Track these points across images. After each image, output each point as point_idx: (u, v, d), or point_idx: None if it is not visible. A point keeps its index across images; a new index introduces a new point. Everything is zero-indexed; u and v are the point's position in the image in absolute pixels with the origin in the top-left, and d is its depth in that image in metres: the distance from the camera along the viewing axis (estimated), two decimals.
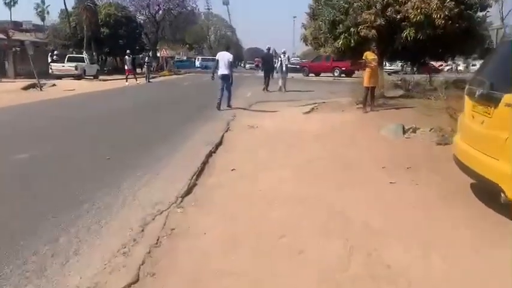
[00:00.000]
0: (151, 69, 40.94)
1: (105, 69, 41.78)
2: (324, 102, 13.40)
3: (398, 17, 11.38)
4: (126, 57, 25.87)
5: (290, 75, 20.76)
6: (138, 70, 34.94)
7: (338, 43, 12.08)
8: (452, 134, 6.22)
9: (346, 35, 11.96)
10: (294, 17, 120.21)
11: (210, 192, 4.40)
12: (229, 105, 11.93)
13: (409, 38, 11.26)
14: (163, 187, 4.46)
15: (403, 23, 11.44)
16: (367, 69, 9.96)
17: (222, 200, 4.16)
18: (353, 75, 33.14)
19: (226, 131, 8.25)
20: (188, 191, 4.37)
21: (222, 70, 11.66)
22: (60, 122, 9.23)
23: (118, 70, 39.82)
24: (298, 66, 38.33)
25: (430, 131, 6.68)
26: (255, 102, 13.97)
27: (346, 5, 12.02)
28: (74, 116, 9.97)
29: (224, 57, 11.76)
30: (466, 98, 3.92)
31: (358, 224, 3.43)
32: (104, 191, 4.26)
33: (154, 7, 46.38)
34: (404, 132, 6.94)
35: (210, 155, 6.10)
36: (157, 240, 3.13)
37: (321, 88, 21.13)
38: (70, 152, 6.24)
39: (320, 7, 12.98)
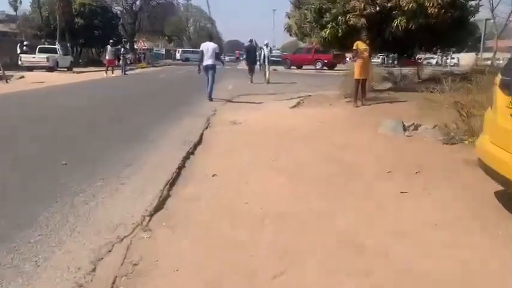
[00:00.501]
0: (128, 61, 39.63)
1: (80, 61, 40.29)
2: (309, 96, 12.69)
3: (389, 5, 10.74)
4: (108, 46, 24.69)
5: (272, 67, 20.53)
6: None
7: (325, 33, 11.38)
8: (460, 132, 5.60)
9: (333, 24, 11.27)
10: (274, 9, 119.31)
11: (185, 207, 3.61)
12: (210, 98, 11.48)
13: (400, 28, 10.64)
14: (128, 201, 3.64)
15: (393, 12, 10.80)
16: (359, 60, 9.26)
17: (201, 217, 3.38)
18: (335, 68, 32.67)
19: (206, 128, 7.44)
20: (159, 206, 3.56)
21: (207, 60, 11.45)
22: (12, 120, 7.99)
23: (94, 62, 38.37)
24: (279, 59, 37.56)
25: (433, 128, 6.01)
26: (237, 95, 13.18)
27: None
28: (32, 113, 8.83)
29: (208, 47, 11.51)
30: (498, 91, 3.22)
31: (377, 256, 2.70)
32: (50, 210, 3.38)
33: None
34: (404, 129, 6.27)
35: (187, 157, 5.29)
36: (113, 284, 2.32)
37: (304, 81, 20.42)
38: (13, 156, 5.14)
39: None
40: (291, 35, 13.35)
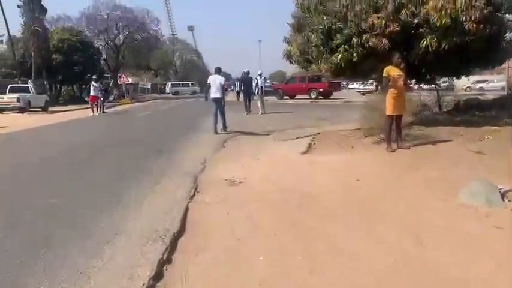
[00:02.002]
0: (109, 97, 37.46)
1: (60, 99, 38.02)
2: (319, 134, 10.47)
3: (415, 21, 8.71)
4: (92, 82, 22.31)
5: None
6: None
7: (336, 58, 9.28)
8: None
9: (345, 46, 9.20)
10: (260, 40, 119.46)
11: None
12: (225, 129, 11.80)
13: (430, 48, 8.58)
14: None
15: (421, 30, 8.77)
16: (391, 92, 7.09)
17: None
18: (331, 97, 30.81)
19: (193, 197, 5.10)
20: None
21: (214, 93, 11.57)
22: None
23: (75, 99, 36.08)
24: (270, 89, 35.65)
25: None
26: (231, 135, 10.93)
27: (344, 9, 9.30)
28: None
29: (216, 80, 11.63)
30: None
31: None
32: None
33: (113, 31, 43.04)
34: (503, 196, 4.03)
35: (158, 275, 2.96)
36: None
37: (302, 112, 18.36)
38: None
39: (308, 15, 10.20)
40: (291, 62, 11.23)
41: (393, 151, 7.09)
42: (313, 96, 30.12)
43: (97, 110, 21.49)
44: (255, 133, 11.73)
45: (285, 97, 32.35)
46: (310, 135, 10.21)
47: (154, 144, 9.62)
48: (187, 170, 6.52)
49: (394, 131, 7.29)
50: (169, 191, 5.30)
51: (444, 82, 56.43)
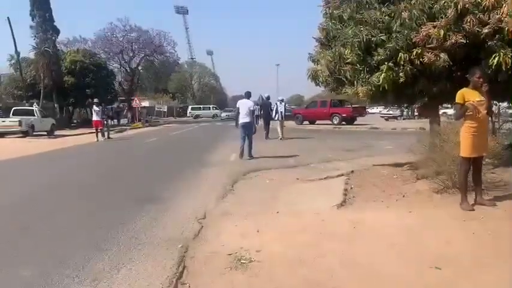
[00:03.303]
0: (115, 121, 36.22)
1: (74, 122, 36.85)
2: (353, 172, 8.39)
3: (484, 31, 6.68)
4: (94, 106, 20.54)
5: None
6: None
7: (378, 78, 7.30)
8: None
9: (390, 64, 7.21)
10: (277, 64, 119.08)
11: None
12: (250, 156, 11.36)
13: (504, 67, 6.53)
14: None
15: (490, 43, 6.74)
16: (469, 124, 5.02)
17: None
18: (354, 123, 28.69)
19: None
20: None
21: (243, 118, 11.36)
22: None
23: (88, 122, 34.80)
24: (289, 113, 33.75)
25: None
26: (243, 172, 8.95)
27: (387, 18, 7.38)
28: None
29: (245, 105, 11.49)
30: None
31: None
32: None
33: (128, 53, 42.16)
34: None
35: None
36: None
37: (326, 142, 16.31)
38: None
39: (340, 26, 8.30)
40: (317, 84, 9.23)
41: (472, 209, 4.97)
42: (335, 122, 28.01)
43: (102, 135, 19.86)
44: (274, 167, 9.73)
45: (305, 122, 30.37)
46: (343, 174, 8.14)
47: (144, 185, 7.67)
48: (175, 235, 4.53)
49: (470, 178, 5.18)
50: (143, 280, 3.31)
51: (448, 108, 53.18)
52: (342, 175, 8.08)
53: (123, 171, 9.89)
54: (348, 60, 7.79)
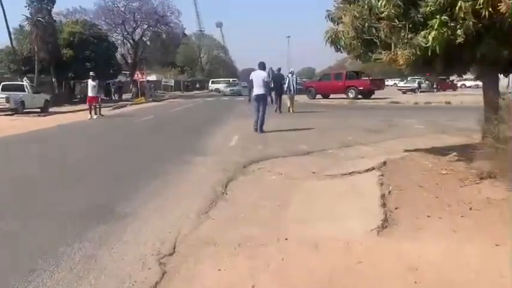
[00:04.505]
0: (109, 96, 34.54)
1: (77, 97, 34.97)
2: (385, 165, 6.40)
3: None
4: (90, 81, 18.70)
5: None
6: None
7: (426, 38, 5.25)
8: None
9: (444, 18, 5.14)
10: (288, 36, 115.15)
11: None
12: (261, 131, 10.94)
13: None
14: None
15: None
16: None
17: None
18: (372, 97, 26.40)
19: None
20: None
21: (257, 90, 11.03)
22: None
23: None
24: (301, 87, 31.55)
25: None
26: (243, 163, 7.04)
27: None
28: None
29: (259, 76, 11.08)
30: None
31: None
32: None
33: (130, 24, 39.83)
34: None
35: None
36: None
37: (344, 118, 14.28)
38: None
39: None
40: (338, 49, 7.09)
41: None
42: (351, 96, 25.73)
43: (95, 112, 18.03)
44: (283, 155, 7.83)
45: (318, 96, 28.16)
46: (373, 168, 6.18)
47: (98, 193, 5.38)
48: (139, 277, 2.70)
49: None
50: None
51: (467, 80, 49.89)
52: (373, 169, 6.13)
53: (83, 167, 7.26)
54: (383, 15, 5.69)
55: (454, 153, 6.76)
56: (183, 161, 7.27)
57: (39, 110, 22.59)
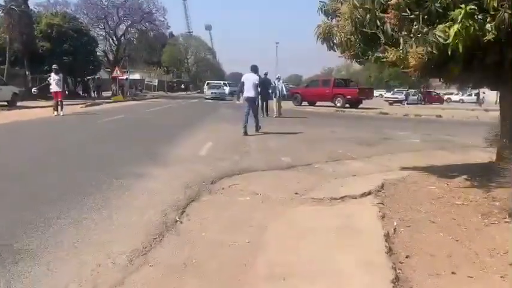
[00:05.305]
0: (87, 93, 32.83)
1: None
2: (383, 188, 5.23)
3: None
4: (52, 74, 16.70)
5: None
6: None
7: (446, 32, 4.12)
8: None
9: (471, 7, 4.03)
10: (277, 42, 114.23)
11: None
12: (257, 129, 11.18)
13: None
14: None
15: None
16: None
17: None
18: (359, 106, 25.40)
19: None
20: None
21: (248, 92, 11.06)
22: None
23: (70, 94, 31.25)
24: (287, 93, 30.33)
25: None
26: (213, 178, 5.79)
27: None
28: None
29: (250, 79, 11.13)
30: None
31: None
32: None
33: (114, 19, 38.28)
34: None
35: None
36: None
37: (332, 128, 13.14)
38: None
39: None
40: (331, 47, 5.90)
41: None
42: (338, 105, 24.67)
43: (61, 108, 16.47)
44: (262, 169, 6.63)
45: (304, 103, 27.00)
46: (370, 192, 5.00)
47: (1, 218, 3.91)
48: None
49: None
50: None
51: (454, 95, 49.51)
52: (369, 193, 4.94)
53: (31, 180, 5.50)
54: (392, 2, 4.56)
55: (464, 177, 5.65)
56: (133, 174, 5.85)
57: (6, 103, 21.02)
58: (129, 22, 39.19)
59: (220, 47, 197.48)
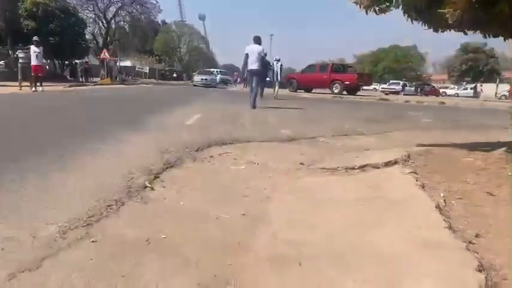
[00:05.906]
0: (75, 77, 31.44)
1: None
2: (409, 158, 4.21)
3: None
4: (32, 46, 15.36)
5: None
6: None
7: None
8: None
9: None
10: (271, 34, 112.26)
11: None
12: (253, 106, 10.34)
13: None
14: None
15: None
16: None
17: None
18: (358, 93, 24.39)
19: None
20: None
21: (252, 64, 10.36)
22: None
23: (56, 77, 29.80)
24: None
25: None
26: (198, 145, 4.74)
27: None
28: None
29: (254, 50, 10.36)
30: None
31: None
32: None
33: (103, 1, 36.81)
34: None
35: None
36: None
37: (335, 109, 12.13)
38: None
39: None
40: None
41: None
42: (335, 91, 23.57)
43: (40, 83, 15.19)
44: (258, 140, 5.59)
45: (300, 90, 25.82)
46: (396, 161, 3.97)
47: None
48: None
49: None
50: None
51: (450, 89, 49.67)
52: (395, 163, 3.92)
53: None
54: None
55: (503, 149, 4.67)
56: (112, 138, 4.83)
57: None
58: (119, 4, 37.70)
59: (214, 39, 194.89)
